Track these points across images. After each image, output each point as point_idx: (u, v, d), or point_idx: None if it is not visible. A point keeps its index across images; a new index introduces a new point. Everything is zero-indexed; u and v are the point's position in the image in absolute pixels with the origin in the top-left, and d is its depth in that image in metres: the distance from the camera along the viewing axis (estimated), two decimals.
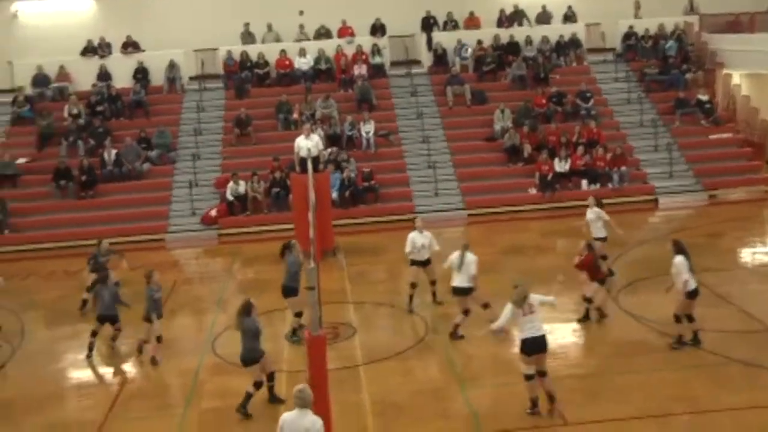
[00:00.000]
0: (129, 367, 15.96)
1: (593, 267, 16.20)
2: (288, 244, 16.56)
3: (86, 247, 24.79)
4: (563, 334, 15.82)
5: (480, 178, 27.90)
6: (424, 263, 17.57)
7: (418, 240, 17.41)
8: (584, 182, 27.15)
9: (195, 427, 13.29)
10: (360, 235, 24.58)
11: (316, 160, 22.68)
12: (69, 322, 18.58)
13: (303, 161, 22.48)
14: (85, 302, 18.85)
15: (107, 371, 16.06)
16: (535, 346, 12.47)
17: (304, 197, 20.87)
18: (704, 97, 30.04)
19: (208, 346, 16.59)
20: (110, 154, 28.13)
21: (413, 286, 17.65)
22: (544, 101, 29.88)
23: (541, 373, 12.67)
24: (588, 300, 16.35)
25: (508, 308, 12.68)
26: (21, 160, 28.51)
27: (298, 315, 16.39)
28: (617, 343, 15.44)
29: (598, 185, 26.95)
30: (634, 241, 21.90)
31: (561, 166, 27.17)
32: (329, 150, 27.05)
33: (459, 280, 15.78)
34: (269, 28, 33.30)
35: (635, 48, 32.90)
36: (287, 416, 9.70)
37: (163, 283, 20.85)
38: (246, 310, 13.36)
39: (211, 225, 25.89)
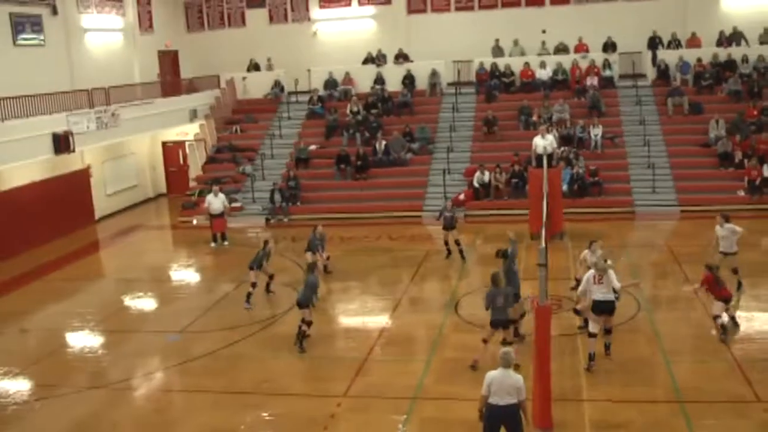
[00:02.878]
0: (387, 318, 16.67)
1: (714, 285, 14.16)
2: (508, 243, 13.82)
3: (358, 220, 26.23)
4: (763, 323, 14.94)
5: (693, 179, 26.50)
6: None
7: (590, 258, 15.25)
8: None
9: (436, 372, 13.70)
10: (585, 222, 24.10)
11: (550, 156, 22.57)
12: (340, 277, 19.61)
13: (539, 157, 22.45)
14: (249, 295, 17.80)
15: (370, 320, 16.87)
16: None
17: (539, 188, 20.83)
18: None
19: (451, 307, 17.02)
20: (381, 144, 29.18)
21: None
22: (755, 113, 27.92)
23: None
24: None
25: None
26: (312, 147, 30.26)
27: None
28: None
29: None
30: None
31: None
32: (562, 149, 26.66)
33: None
34: (515, 43, 33.19)
35: None
36: (494, 374, 9.91)
37: (417, 252, 21.71)
38: None
39: (459, 207, 26.32)
